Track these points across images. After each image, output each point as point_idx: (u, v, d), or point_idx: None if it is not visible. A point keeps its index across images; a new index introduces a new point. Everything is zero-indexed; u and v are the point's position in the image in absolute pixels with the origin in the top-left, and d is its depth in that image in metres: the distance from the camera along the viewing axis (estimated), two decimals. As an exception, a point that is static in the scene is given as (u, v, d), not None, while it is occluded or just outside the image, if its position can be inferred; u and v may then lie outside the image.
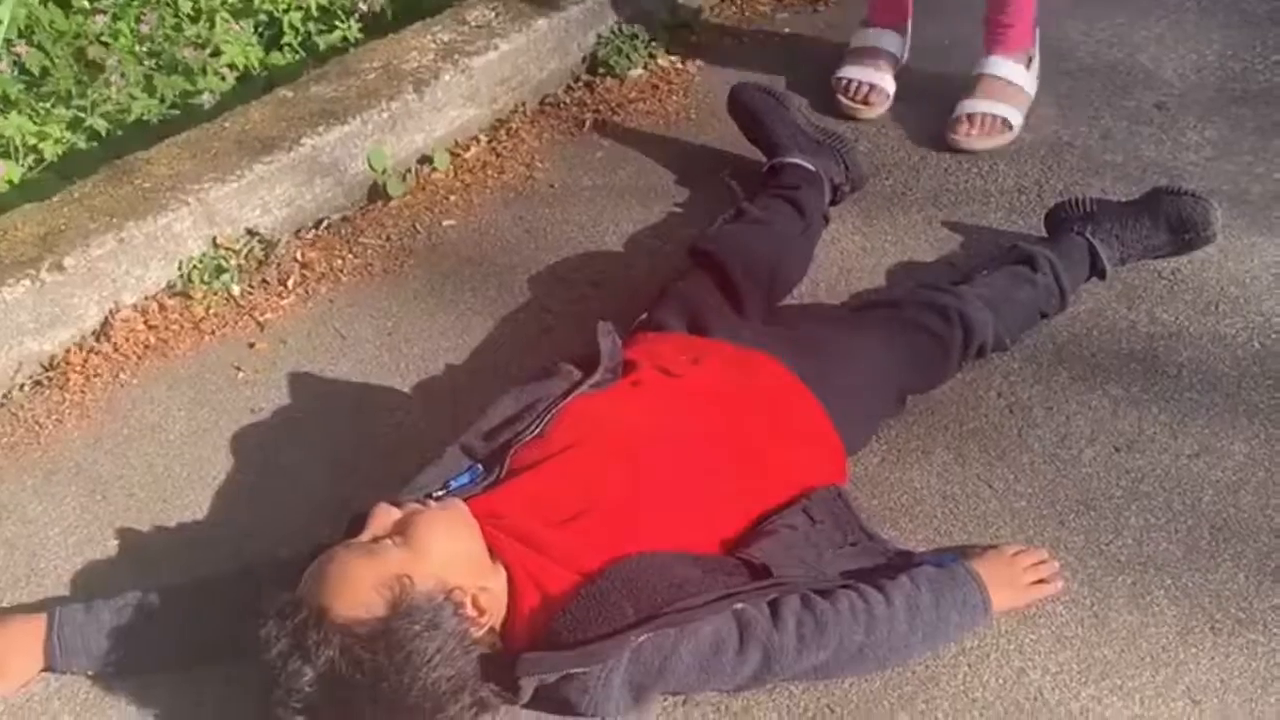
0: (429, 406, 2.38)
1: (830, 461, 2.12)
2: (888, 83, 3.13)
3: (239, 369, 2.47)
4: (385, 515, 1.79)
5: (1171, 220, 2.56)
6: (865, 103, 3.10)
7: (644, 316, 2.33)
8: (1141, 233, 2.56)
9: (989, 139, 2.98)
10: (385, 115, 2.88)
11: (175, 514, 2.20)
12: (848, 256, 2.71)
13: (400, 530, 1.76)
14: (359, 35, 3.22)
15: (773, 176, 2.76)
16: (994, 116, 2.98)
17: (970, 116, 2.98)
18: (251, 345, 2.53)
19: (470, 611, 1.74)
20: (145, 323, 2.54)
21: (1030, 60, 3.07)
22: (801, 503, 2.01)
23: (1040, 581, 2.00)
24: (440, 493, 1.92)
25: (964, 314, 2.31)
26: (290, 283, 2.66)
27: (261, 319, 2.58)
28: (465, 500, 1.87)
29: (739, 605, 1.80)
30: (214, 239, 2.64)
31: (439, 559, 1.74)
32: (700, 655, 1.78)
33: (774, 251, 2.51)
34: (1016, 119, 3.00)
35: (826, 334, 2.29)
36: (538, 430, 1.97)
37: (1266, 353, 2.41)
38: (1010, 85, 3.02)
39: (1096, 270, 2.53)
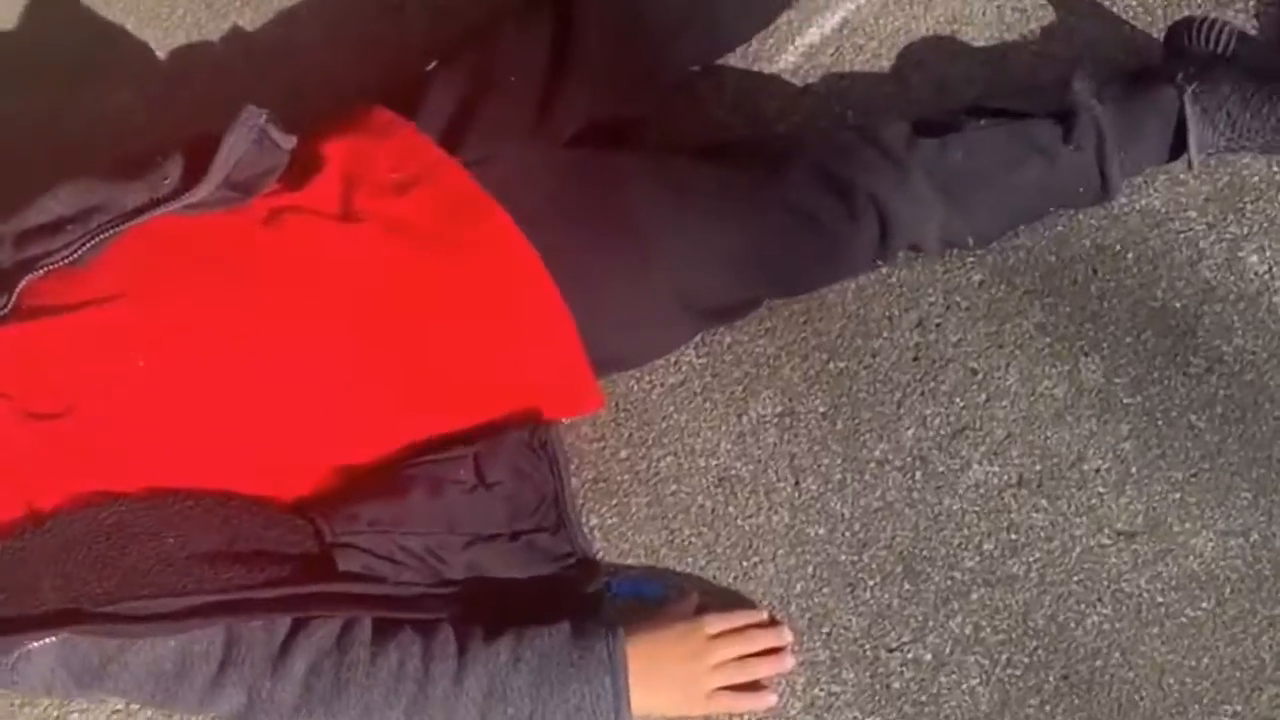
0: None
1: (561, 385, 1.43)
2: None
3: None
4: None
5: (1321, 113, 1.57)
6: None
7: (431, 66, 1.56)
8: (1271, 120, 1.59)
9: None
10: None
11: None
12: (844, 31, 1.79)
13: None
14: None
15: None
16: None
17: None
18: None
19: None
20: None
21: None
22: (475, 448, 1.36)
23: (745, 686, 1.32)
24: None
25: (883, 204, 1.48)
26: None
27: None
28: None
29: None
30: None
31: None
32: (156, 672, 1.24)
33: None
34: None
35: (648, 196, 1.47)
36: (74, 257, 1.31)
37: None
38: None
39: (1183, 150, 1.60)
